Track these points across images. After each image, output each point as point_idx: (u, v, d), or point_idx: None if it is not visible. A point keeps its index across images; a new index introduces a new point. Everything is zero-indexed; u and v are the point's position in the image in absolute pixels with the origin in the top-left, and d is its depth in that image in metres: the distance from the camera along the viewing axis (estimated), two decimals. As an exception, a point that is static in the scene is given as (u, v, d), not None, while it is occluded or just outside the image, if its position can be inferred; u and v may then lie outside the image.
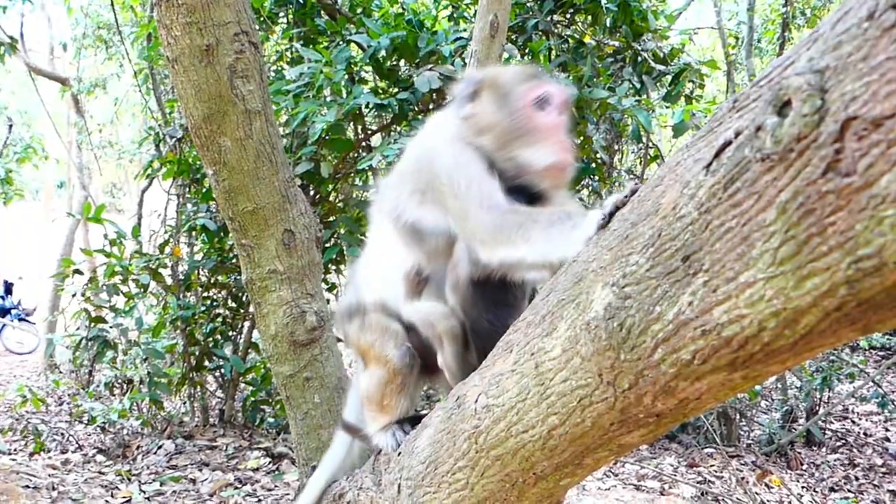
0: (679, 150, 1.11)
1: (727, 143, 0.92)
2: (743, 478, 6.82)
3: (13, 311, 12.06)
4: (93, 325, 6.60)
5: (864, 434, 8.54)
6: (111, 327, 6.53)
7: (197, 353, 6.72)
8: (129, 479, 5.55)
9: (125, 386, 7.26)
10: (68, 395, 8.95)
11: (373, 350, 2.09)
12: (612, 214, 1.25)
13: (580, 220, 1.43)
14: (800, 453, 7.66)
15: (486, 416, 1.39)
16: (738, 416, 7.85)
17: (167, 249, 6.87)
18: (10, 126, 9.48)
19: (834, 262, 0.80)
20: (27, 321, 11.89)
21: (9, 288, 12.41)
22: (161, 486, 5.38)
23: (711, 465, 7.06)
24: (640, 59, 5.98)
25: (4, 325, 11.84)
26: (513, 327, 1.46)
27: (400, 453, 1.82)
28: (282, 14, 6.49)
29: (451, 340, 1.93)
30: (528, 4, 6.00)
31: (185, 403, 7.18)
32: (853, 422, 8.94)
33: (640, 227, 1.07)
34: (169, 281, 6.81)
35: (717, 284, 0.93)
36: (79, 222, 10.90)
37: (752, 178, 0.87)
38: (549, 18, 5.94)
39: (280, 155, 3.17)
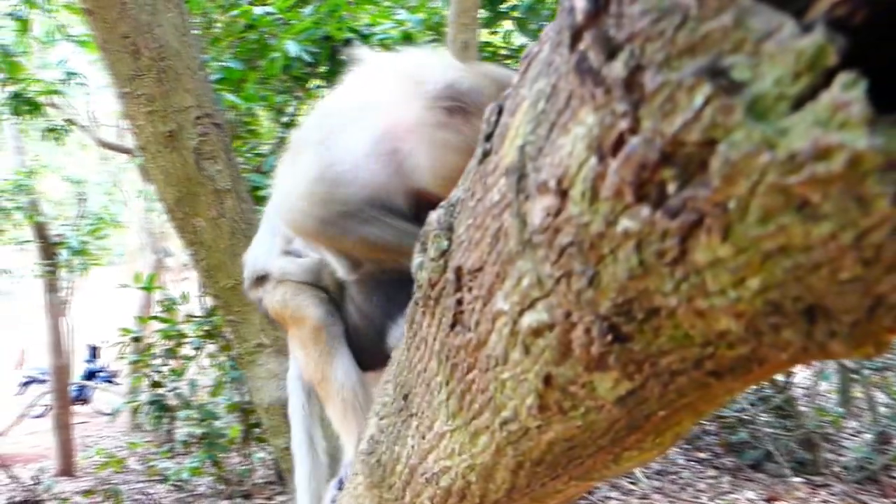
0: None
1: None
2: (827, 511, 6.33)
3: (100, 374, 12.73)
4: (152, 389, 6.83)
5: (974, 451, 7.73)
6: (167, 391, 6.74)
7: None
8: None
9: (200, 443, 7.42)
10: (150, 453, 9.25)
11: (288, 309, 1.76)
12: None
13: None
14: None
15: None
16: (823, 442, 7.28)
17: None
18: (83, 200, 10.09)
19: (489, 421, 0.69)
20: (113, 382, 12.48)
21: (94, 352, 13.12)
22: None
23: (794, 501, 6.58)
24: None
25: (94, 388, 12.46)
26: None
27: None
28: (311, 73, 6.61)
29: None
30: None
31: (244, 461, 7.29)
32: (962, 436, 8.10)
33: (395, 352, 0.98)
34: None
35: (424, 431, 0.82)
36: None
37: (418, 320, 0.77)
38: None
39: (255, 230, 3.19)
